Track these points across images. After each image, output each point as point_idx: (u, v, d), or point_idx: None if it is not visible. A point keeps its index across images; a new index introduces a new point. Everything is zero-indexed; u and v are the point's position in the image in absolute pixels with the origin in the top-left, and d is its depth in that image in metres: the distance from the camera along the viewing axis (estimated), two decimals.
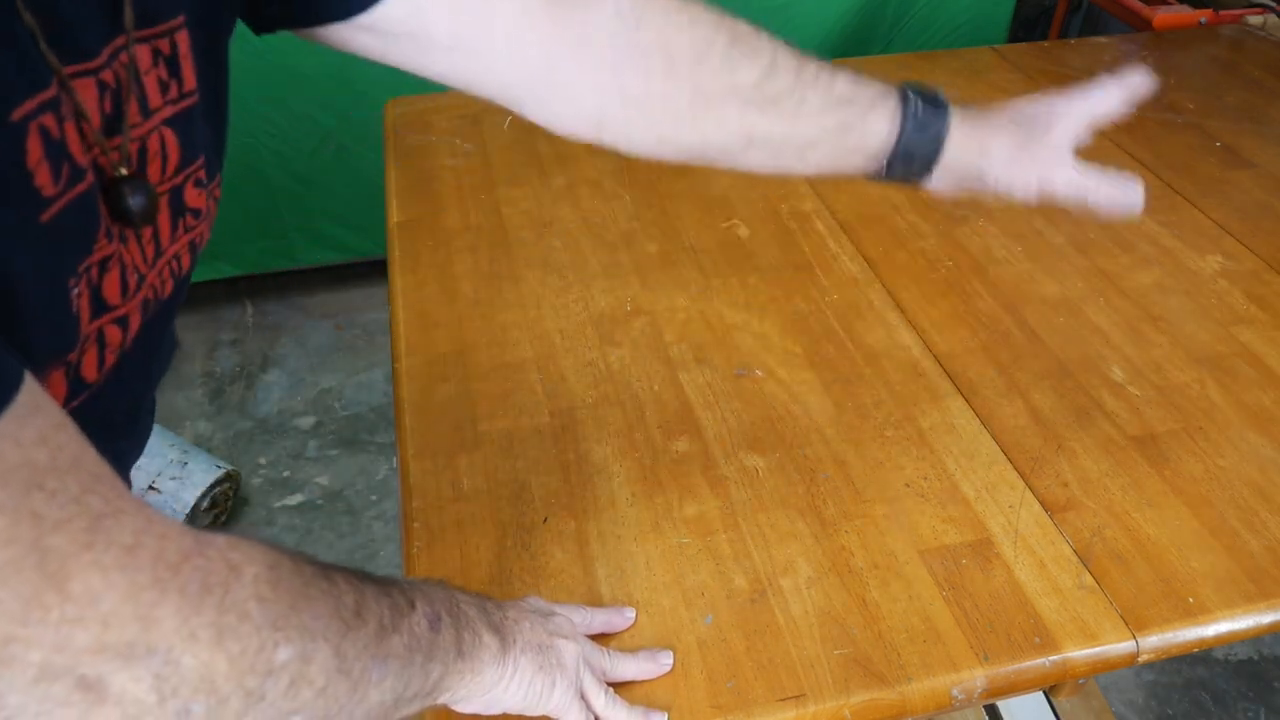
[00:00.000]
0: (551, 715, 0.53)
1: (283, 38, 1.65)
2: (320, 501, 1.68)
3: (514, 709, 0.51)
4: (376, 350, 1.99)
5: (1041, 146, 0.58)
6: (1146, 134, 1.17)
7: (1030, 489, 0.71)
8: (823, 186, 1.05)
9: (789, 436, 0.74)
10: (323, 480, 1.71)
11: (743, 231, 0.98)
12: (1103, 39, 1.45)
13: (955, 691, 0.59)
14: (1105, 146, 1.14)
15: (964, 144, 0.57)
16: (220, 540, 0.35)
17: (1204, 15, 1.58)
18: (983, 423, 0.76)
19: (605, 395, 0.78)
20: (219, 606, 0.33)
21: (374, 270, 2.15)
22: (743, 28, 0.53)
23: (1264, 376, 0.81)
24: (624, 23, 0.51)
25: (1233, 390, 0.80)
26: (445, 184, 1.04)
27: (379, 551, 1.60)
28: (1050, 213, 1.02)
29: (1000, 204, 1.03)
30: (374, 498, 1.68)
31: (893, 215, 1.01)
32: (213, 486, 1.54)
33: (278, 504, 1.67)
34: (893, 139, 0.55)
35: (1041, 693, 1.14)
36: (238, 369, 1.95)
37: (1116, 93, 0.59)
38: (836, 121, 0.55)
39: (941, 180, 0.58)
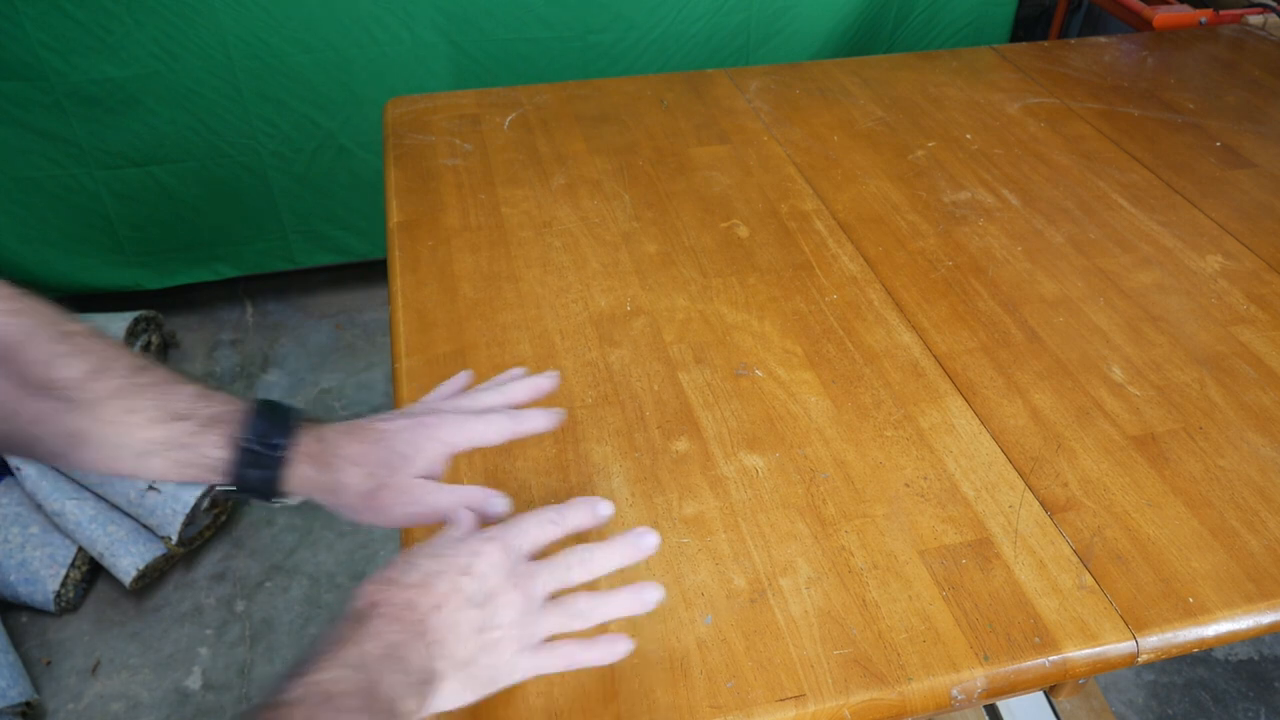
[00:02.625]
0: (525, 679, 0.50)
1: (283, 36, 1.67)
2: None
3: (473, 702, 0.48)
4: (376, 350, 2.00)
5: (393, 488, 0.55)
6: (1146, 134, 1.17)
7: (1030, 489, 0.71)
8: (822, 186, 1.05)
9: (789, 436, 0.74)
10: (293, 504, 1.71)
11: (742, 231, 0.98)
12: (1103, 39, 1.45)
13: (955, 691, 0.59)
14: (1106, 147, 1.14)
15: (308, 484, 0.54)
16: None
17: (1204, 15, 1.58)
18: (983, 423, 0.76)
19: (605, 395, 0.78)
20: None
21: (374, 270, 2.15)
22: (78, 327, 0.51)
23: (1264, 376, 0.81)
24: None
25: (1233, 390, 0.80)
26: (445, 184, 1.04)
27: (379, 551, 1.60)
28: (1050, 213, 1.02)
29: (1000, 204, 1.03)
30: None
31: (893, 215, 1.01)
32: (213, 486, 1.54)
33: (278, 504, 1.67)
34: (226, 465, 0.53)
35: (1041, 693, 1.14)
36: (238, 369, 1.95)
37: (501, 427, 0.57)
38: (166, 435, 0.51)
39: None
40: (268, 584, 1.55)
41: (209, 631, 1.48)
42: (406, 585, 0.47)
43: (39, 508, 1.51)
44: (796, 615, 0.62)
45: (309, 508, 0.58)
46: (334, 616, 1.49)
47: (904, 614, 0.62)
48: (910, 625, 0.61)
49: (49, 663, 1.44)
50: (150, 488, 1.48)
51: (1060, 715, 1.13)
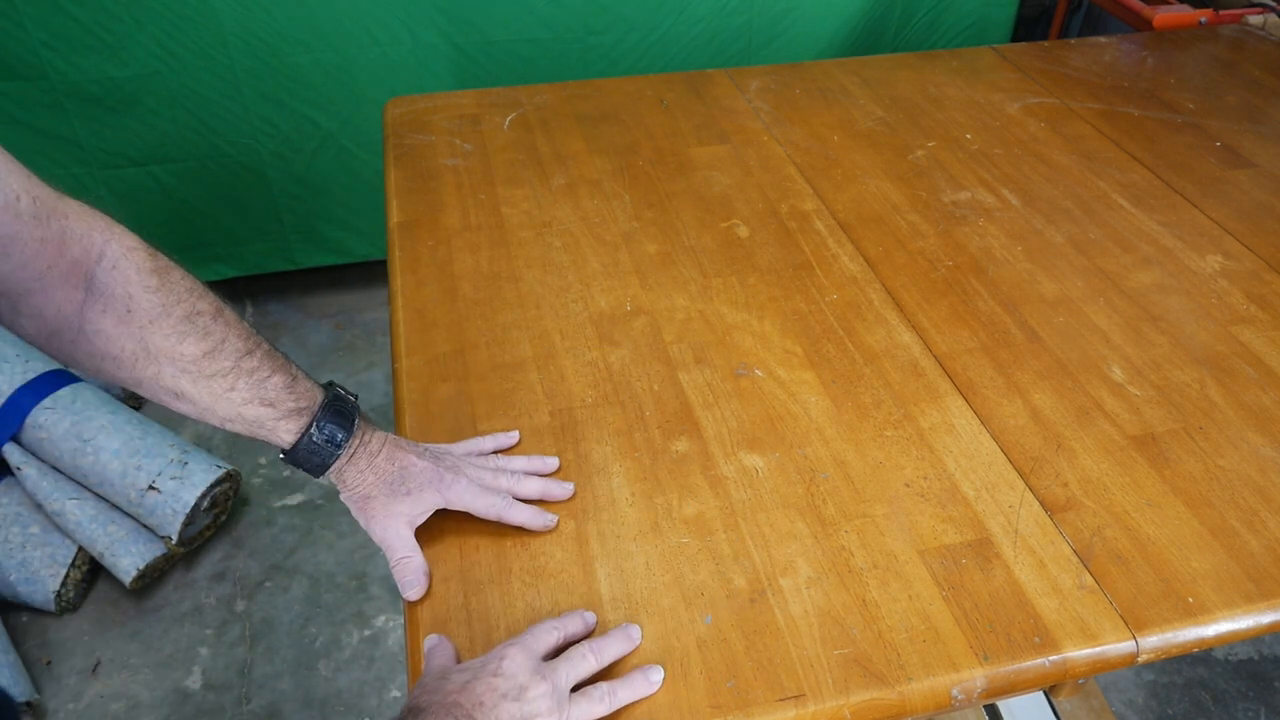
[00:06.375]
0: None
1: (283, 36, 1.66)
2: (320, 501, 1.68)
3: None
4: (376, 350, 2.00)
5: (379, 505, 0.65)
6: (1146, 134, 1.17)
7: (1030, 489, 0.71)
8: (822, 186, 1.05)
9: (789, 436, 0.74)
10: (323, 480, 1.71)
11: (742, 231, 0.98)
12: (1103, 39, 1.45)
13: (955, 691, 0.59)
14: (1106, 147, 1.14)
15: (336, 471, 0.65)
16: None
17: (1204, 15, 1.58)
18: (983, 423, 0.76)
19: (605, 395, 0.78)
20: None
21: (374, 270, 2.15)
22: (206, 306, 0.60)
23: (1264, 376, 0.81)
24: (103, 265, 0.56)
25: (1233, 390, 0.80)
26: (445, 184, 1.04)
27: (379, 551, 1.60)
28: (1050, 213, 1.02)
29: (1000, 204, 1.03)
30: None
31: (893, 215, 1.01)
32: (213, 486, 1.54)
33: (278, 504, 1.67)
34: (290, 447, 0.63)
35: (1041, 693, 1.14)
36: None
37: (494, 507, 0.66)
38: (255, 415, 0.62)
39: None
40: (268, 584, 1.55)
41: (209, 631, 1.48)
42: (448, 692, 0.53)
43: (39, 508, 1.51)
44: (796, 615, 0.62)
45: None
46: (333, 619, 1.49)
47: (904, 614, 0.62)
48: (910, 625, 0.61)
49: (49, 663, 1.44)
50: (150, 487, 1.48)
51: (1060, 715, 1.13)
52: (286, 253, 1.99)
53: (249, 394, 0.61)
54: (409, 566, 0.64)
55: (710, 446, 0.74)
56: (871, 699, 0.57)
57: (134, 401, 1.75)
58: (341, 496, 0.67)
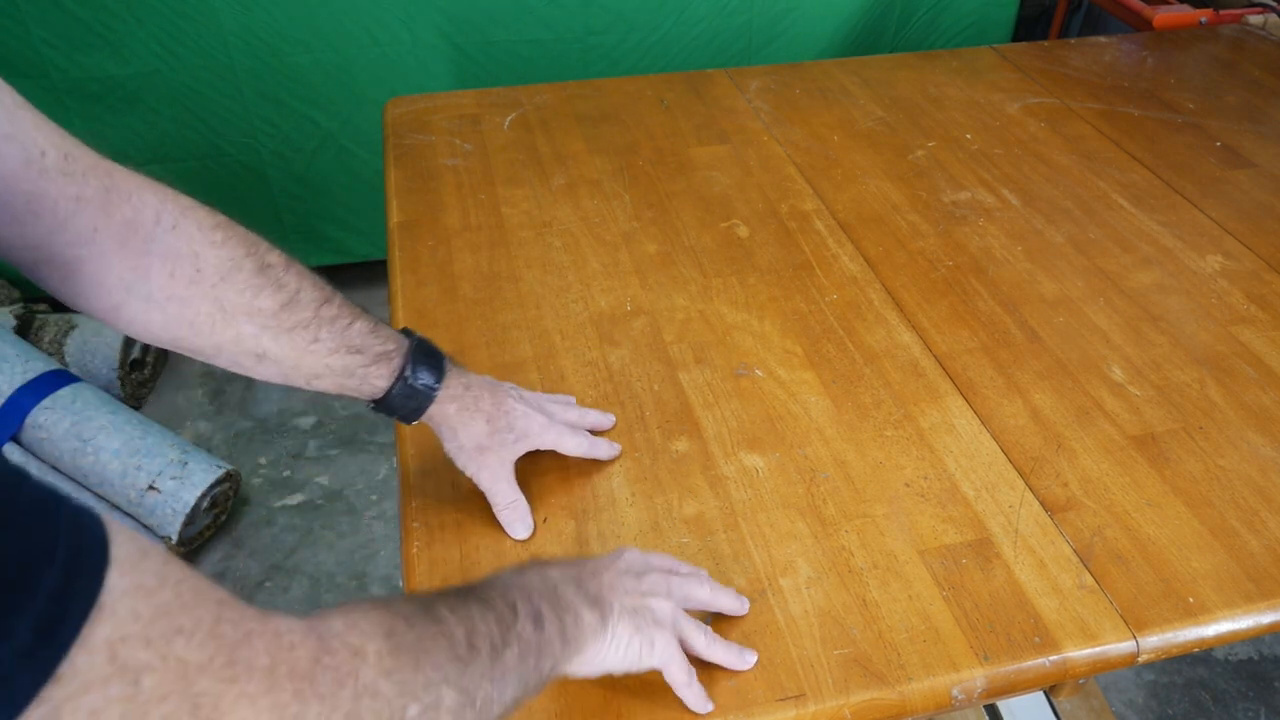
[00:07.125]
0: (655, 668, 0.55)
1: (283, 36, 1.66)
2: (320, 501, 1.68)
3: (616, 669, 0.53)
4: None
5: (494, 453, 0.66)
6: (1146, 134, 1.17)
7: (1030, 489, 0.71)
8: (822, 186, 1.05)
9: (789, 436, 0.74)
10: (323, 480, 1.71)
11: (742, 231, 0.98)
12: (1103, 39, 1.45)
13: (955, 691, 0.59)
14: (1106, 147, 1.14)
15: (439, 417, 0.65)
16: (337, 624, 0.37)
17: (1204, 15, 1.58)
18: (983, 423, 0.76)
19: (605, 395, 0.78)
20: (353, 696, 0.35)
21: (374, 270, 2.15)
22: (275, 258, 0.57)
23: (1264, 376, 0.81)
24: (161, 225, 0.53)
25: (1233, 390, 0.80)
26: (445, 184, 1.04)
27: (379, 551, 1.60)
28: (1050, 213, 1.02)
29: (1000, 204, 1.03)
30: (374, 498, 1.68)
31: (893, 215, 1.01)
32: (213, 486, 1.54)
33: (278, 504, 1.67)
34: (383, 393, 0.62)
35: (1041, 693, 1.14)
36: None
37: (581, 443, 0.69)
38: (343, 365, 0.60)
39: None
40: (268, 584, 1.55)
41: None
42: (569, 562, 0.55)
43: None
44: (796, 615, 0.62)
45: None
46: None
47: (904, 614, 0.62)
48: (910, 625, 0.61)
49: None
50: (150, 487, 1.48)
51: (1060, 715, 1.13)
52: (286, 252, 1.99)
53: (334, 343, 0.59)
54: (519, 509, 0.67)
55: (710, 446, 0.74)
56: (871, 699, 0.57)
57: (134, 402, 1.75)
58: (447, 448, 0.66)
